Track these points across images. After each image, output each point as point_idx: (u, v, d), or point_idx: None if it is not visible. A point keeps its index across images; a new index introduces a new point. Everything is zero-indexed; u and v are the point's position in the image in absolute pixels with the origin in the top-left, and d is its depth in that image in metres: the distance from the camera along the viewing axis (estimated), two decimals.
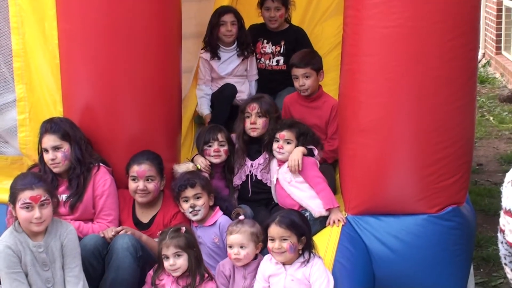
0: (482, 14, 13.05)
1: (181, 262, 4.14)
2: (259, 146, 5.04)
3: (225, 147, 5.01)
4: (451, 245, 4.54)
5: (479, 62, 12.74)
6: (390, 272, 4.52)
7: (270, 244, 4.07)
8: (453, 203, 4.53)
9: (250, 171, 5.05)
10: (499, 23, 12.13)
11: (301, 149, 4.75)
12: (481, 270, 5.23)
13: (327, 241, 4.54)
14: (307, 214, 4.64)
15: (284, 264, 4.11)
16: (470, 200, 5.11)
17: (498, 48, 12.24)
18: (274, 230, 4.05)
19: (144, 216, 4.66)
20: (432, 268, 4.51)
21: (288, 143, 4.81)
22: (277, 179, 4.85)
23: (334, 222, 4.58)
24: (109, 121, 4.73)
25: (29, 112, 4.99)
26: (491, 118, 9.49)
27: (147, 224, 4.65)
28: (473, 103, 4.68)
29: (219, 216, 4.57)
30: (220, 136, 5.00)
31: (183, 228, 4.21)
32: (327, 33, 6.43)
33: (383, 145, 4.47)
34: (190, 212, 4.53)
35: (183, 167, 4.87)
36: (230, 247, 4.21)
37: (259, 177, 5.03)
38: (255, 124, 5.03)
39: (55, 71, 4.90)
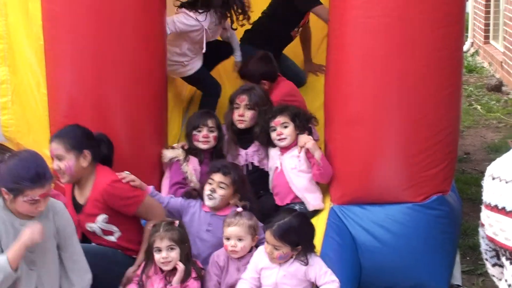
0: (471, 3, 13.07)
1: (174, 255, 4.09)
2: (250, 135, 5.02)
3: (215, 133, 4.95)
4: (437, 233, 4.55)
5: (467, 51, 12.76)
6: (376, 261, 4.54)
7: (265, 244, 4.01)
8: (438, 191, 4.55)
9: (246, 160, 5.02)
10: (487, 12, 12.15)
11: (308, 136, 4.77)
12: (468, 258, 5.24)
13: None
14: (297, 207, 4.67)
15: None
16: (457, 189, 5.13)
17: (487, 38, 12.26)
18: (268, 237, 3.96)
19: (81, 197, 4.38)
20: (418, 256, 4.53)
21: (286, 126, 4.82)
22: (280, 166, 4.84)
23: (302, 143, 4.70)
24: (94, 103, 4.68)
25: (12, 95, 4.94)
26: (479, 107, 9.51)
27: (83, 205, 4.36)
28: (459, 93, 4.70)
29: (234, 209, 4.42)
30: (210, 122, 4.93)
31: (177, 222, 4.16)
32: (316, 25, 6.40)
33: (369, 136, 4.48)
34: (208, 195, 4.42)
35: (172, 152, 4.86)
36: (228, 239, 4.17)
37: (256, 164, 5.01)
38: (242, 116, 5.00)
39: (39, 53, 4.86)
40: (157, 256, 4.09)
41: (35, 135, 5.11)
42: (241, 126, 5.02)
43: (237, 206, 4.31)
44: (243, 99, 5.00)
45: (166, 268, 4.09)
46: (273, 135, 4.85)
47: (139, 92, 4.73)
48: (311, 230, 4.05)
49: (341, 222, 4.61)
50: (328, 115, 4.78)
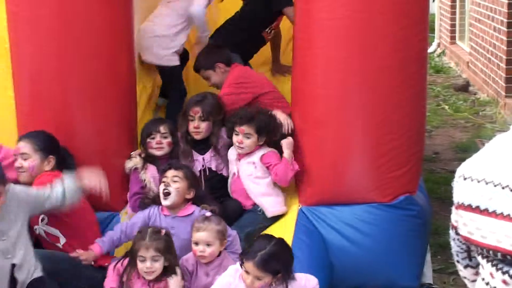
0: (437, 4, 13.19)
1: (158, 266, 4.01)
2: (206, 143, 4.98)
3: (168, 139, 4.90)
4: (406, 232, 4.58)
5: (434, 52, 12.86)
6: (347, 260, 4.55)
7: (244, 274, 3.77)
8: (406, 192, 4.58)
9: (203, 165, 4.97)
10: (453, 13, 12.26)
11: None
12: (439, 257, 5.27)
13: (282, 234, 4.53)
14: (259, 209, 4.67)
15: None
16: (427, 188, 5.16)
17: (453, 38, 12.37)
18: (250, 268, 3.73)
19: None
20: (388, 255, 4.55)
21: (248, 137, 4.75)
22: (237, 172, 4.82)
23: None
24: (60, 110, 4.64)
25: None
26: (447, 107, 9.59)
27: None
28: (423, 94, 4.73)
29: (194, 208, 4.43)
30: (162, 128, 4.89)
31: (163, 231, 4.07)
32: (283, 26, 6.41)
33: (335, 137, 4.50)
34: (163, 192, 4.39)
35: (131, 162, 4.83)
36: (196, 244, 4.14)
37: (213, 168, 4.97)
38: (198, 128, 4.95)
39: (5, 56, 4.80)
40: (140, 265, 4.01)
41: (1, 138, 5.04)
42: (197, 137, 4.96)
43: (206, 210, 4.28)
44: (197, 111, 4.93)
45: (149, 277, 4.03)
46: (235, 138, 4.81)
47: (105, 95, 4.69)
48: (291, 256, 3.89)
49: (310, 223, 4.62)
50: (295, 116, 4.79)
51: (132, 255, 4.07)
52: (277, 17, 6.14)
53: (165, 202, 4.39)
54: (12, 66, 4.75)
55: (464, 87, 10.44)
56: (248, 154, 4.78)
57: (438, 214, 5.90)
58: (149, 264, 3.98)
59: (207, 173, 4.96)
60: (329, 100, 4.46)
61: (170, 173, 4.40)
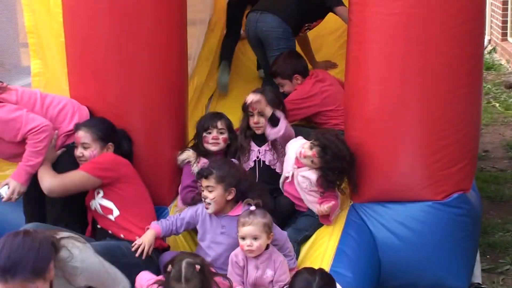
0: (488, 0, 13.00)
1: None
2: (263, 136, 4.99)
3: (225, 135, 4.90)
4: (458, 231, 4.54)
5: (485, 48, 12.69)
6: (396, 259, 4.52)
7: None
8: (459, 190, 4.54)
9: (257, 157, 4.99)
10: (505, 9, 12.07)
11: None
12: (488, 256, 5.22)
13: (331, 228, 4.57)
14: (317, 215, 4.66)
15: None
16: (476, 187, 5.11)
17: (504, 35, 12.18)
18: None
19: None
20: (438, 255, 4.51)
21: (312, 161, 4.59)
22: (291, 178, 4.75)
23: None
24: (114, 102, 4.70)
25: (44, 88, 4.96)
26: (497, 104, 9.46)
27: None
28: (479, 90, 4.67)
29: (244, 209, 4.35)
30: (219, 124, 4.89)
31: (198, 266, 3.70)
32: (331, 21, 6.41)
33: (388, 133, 4.47)
34: (204, 204, 4.39)
35: (183, 155, 4.85)
36: (243, 238, 4.14)
37: (267, 163, 4.98)
38: (258, 123, 4.97)
39: (60, 50, 4.88)
40: None
41: None
42: (258, 132, 4.99)
43: (250, 205, 4.26)
44: (255, 108, 4.95)
45: None
46: (302, 150, 4.65)
47: (158, 90, 4.73)
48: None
49: (360, 220, 4.61)
50: (348, 112, 4.76)
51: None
52: (323, 17, 6.15)
53: (208, 211, 4.40)
54: (67, 60, 4.83)
55: None
56: (305, 167, 4.67)
57: (487, 213, 5.85)
58: None
59: (261, 165, 4.98)
60: (383, 96, 4.44)
61: (203, 182, 4.36)
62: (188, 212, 4.49)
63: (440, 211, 4.50)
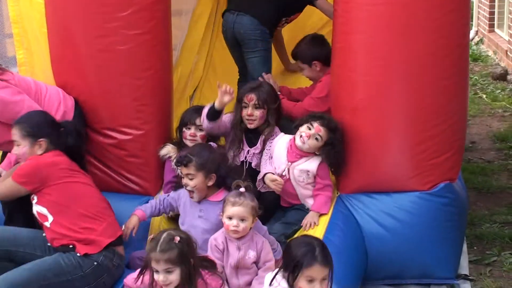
0: None
1: (173, 277, 3.66)
2: (256, 135, 4.90)
3: (203, 133, 4.85)
4: (444, 221, 4.53)
5: (472, 40, 12.69)
6: (383, 249, 4.51)
7: (306, 286, 3.45)
8: (445, 179, 4.53)
9: (245, 157, 4.90)
10: (492, 0, 12.08)
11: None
12: (475, 248, 5.21)
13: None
14: (307, 207, 4.65)
15: None
16: (463, 178, 5.10)
17: (491, 26, 12.20)
18: (317, 270, 3.44)
19: None
20: (425, 245, 4.51)
21: (316, 139, 4.58)
22: (287, 174, 4.68)
23: (309, 224, 4.49)
24: (101, 95, 4.70)
25: (31, 76, 4.91)
26: (484, 96, 9.47)
27: None
28: (465, 80, 4.66)
29: (226, 194, 4.31)
30: (198, 121, 4.83)
31: (177, 238, 3.68)
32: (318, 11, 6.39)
33: (374, 124, 4.45)
34: (187, 191, 4.39)
35: (164, 150, 4.81)
36: (230, 218, 4.10)
37: (253, 165, 4.88)
38: (252, 116, 4.83)
39: (44, 39, 4.86)
40: (155, 276, 3.70)
41: None
42: (251, 126, 4.86)
43: (240, 187, 4.20)
44: (252, 98, 4.82)
45: None
46: (303, 128, 4.61)
47: (143, 80, 4.72)
48: None
49: (347, 210, 4.59)
50: (334, 103, 4.74)
51: (146, 263, 3.75)
52: (301, 10, 6.08)
53: (193, 200, 4.40)
54: (50, 49, 4.82)
55: (502, 76, 10.29)
56: (302, 159, 4.65)
57: (474, 205, 5.85)
58: (163, 277, 3.66)
59: (246, 166, 4.89)
60: (368, 87, 4.42)
61: (183, 170, 4.35)
62: (171, 195, 4.54)
63: (427, 201, 4.49)
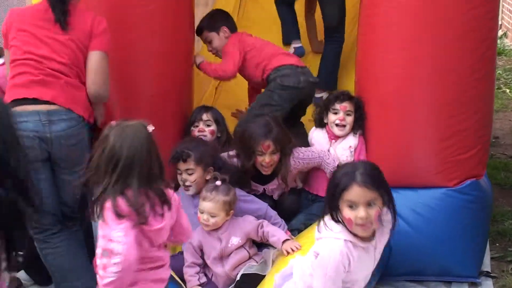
0: None
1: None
2: (271, 175, 4.60)
3: (211, 127, 4.84)
4: (469, 219, 4.48)
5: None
6: (405, 245, 4.45)
7: (350, 213, 3.13)
8: (472, 176, 4.48)
9: (264, 191, 4.64)
10: None
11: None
12: (497, 245, 5.17)
13: None
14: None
15: None
16: (486, 174, 5.02)
17: None
18: (358, 192, 3.11)
19: None
20: (448, 242, 4.46)
21: (349, 115, 4.66)
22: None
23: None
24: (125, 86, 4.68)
25: None
26: (508, 90, 9.38)
27: None
28: (492, 75, 4.61)
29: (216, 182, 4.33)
30: (205, 116, 4.84)
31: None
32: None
33: (400, 118, 4.41)
34: (183, 186, 4.37)
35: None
36: (202, 212, 4.13)
37: (275, 198, 4.69)
38: (270, 162, 4.48)
39: None
40: None
41: None
42: (267, 172, 4.54)
43: (217, 179, 4.19)
44: (268, 147, 4.44)
45: None
46: (333, 117, 4.69)
47: (165, 68, 4.72)
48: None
49: None
50: (359, 96, 4.72)
51: None
52: None
53: (188, 193, 4.38)
54: None
55: None
56: (344, 137, 4.71)
57: (497, 201, 5.79)
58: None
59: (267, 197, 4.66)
60: (395, 81, 4.38)
61: (181, 165, 4.34)
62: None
63: (452, 198, 4.45)
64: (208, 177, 4.34)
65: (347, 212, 3.13)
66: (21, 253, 3.61)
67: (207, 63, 5.24)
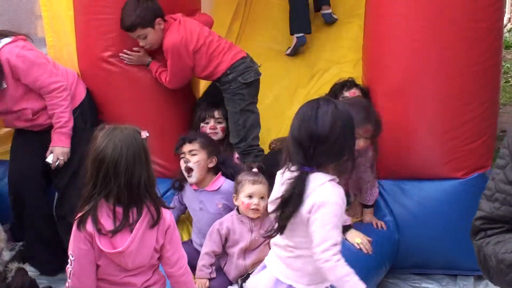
0: None
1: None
2: None
3: (222, 124, 4.82)
4: (475, 211, 4.43)
5: (505, 26, 12.50)
6: (412, 238, 4.46)
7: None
8: (479, 166, 4.47)
9: None
10: None
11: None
12: None
13: None
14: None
15: None
16: (493, 167, 5.00)
17: None
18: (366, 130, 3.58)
19: None
20: (454, 235, 4.42)
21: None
22: None
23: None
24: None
25: (58, 60, 4.89)
26: None
27: None
28: (499, 66, 4.59)
29: (223, 182, 4.37)
30: (217, 113, 4.81)
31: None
32: None
33: (407, 108, 4.40)
34: (185, 169, 4.33)
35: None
36: (250, 197, 4.04)
37: None
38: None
39: (69, 22, 4.83)
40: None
41: None
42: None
43: (252, 168, 4.18)
44: (368, 130, 4.20)
45: None
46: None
47: None
48: None
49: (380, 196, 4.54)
50: (366, 86, 4.70)
51: None
52: None
53: (190, 180, 4.35)
54: (76, 34, 4.80)
55: None
56: None
57: None
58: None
59: None
60: (402, 71, 4.37)
61: (186, 147, 4.33)
62: (176, 198, 4.58)
63: (459, 191, 4.43)
64: (211, 165, 4.33)
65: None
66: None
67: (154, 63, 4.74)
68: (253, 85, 4.75)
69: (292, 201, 2.94)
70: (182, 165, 4.34)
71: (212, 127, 4.80)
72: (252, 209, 4.04)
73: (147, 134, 3.00)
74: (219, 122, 4.83)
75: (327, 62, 5.87)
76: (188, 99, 4.97)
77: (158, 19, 4.57)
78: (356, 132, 3.55)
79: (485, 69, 4.37)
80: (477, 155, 4.44)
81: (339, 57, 5.86)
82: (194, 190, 4.41)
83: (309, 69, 5.91)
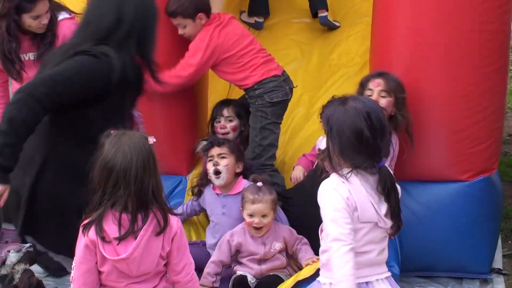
0: None
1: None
2: None
3: (233, 123, 4.81)
4: (480, 215, 4.47)
5: None
6: (417, 241, 4.44)
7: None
8: (485, 169, 4.46)
9: None
10: None
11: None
12: (509, 242, 5.15)
13: None
14: None
15: None
16: (499, 171, 5.01)
17: None
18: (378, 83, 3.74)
19: None
20: (460, 238, 4.44)
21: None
22: None
23: None
24: None
25: None
26: None
27: None
28: (506, 69, 4.59)
29: (245, 184, 4.36)
30: (226, 111, 4.80)
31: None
32: None
33: (413, 110, 4.37)
34: (213, 172, 4.33)
35: (199, 146, 4.74)
36: (251, 216, 4.10)
37: None
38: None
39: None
40: None
41: None
42: None
43: (257, 181, 4.19)
44: (378, 84, 4.24)
45: None
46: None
47: None
48: None
49: None
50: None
51: None
52: None
53: (217, 181, 4.35)
54: None
55: None
56: None
57: (510, 198, 5.75)
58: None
59: None
60: (409, 72, 4.36)
61: (215, 151, 4.35)
62: (195, 203, 4.58)
63: (464, 194, 4.43)
64: (238, 170, 4.35)
65: None
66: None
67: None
68: (279, 105, 4.74)
69: (393, 193, 3.15)
70: (210, 167, 4.34)
71: (222, 126, 4.81)
72: (254, 227, 4.09)
73: (154, 140, 2.99)
74: (230, 120, 4.82)
75: (333, 66, 5.86)
76: (194, 98, 4.98)
77: (200, 14, 4.65)
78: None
79: (492, 72, 4.37)
80: (482, 158, 4.43)
81: (346, 60, 5.87)
82: (217, 194, 4.41)
83: (316, 73, 5.91)
